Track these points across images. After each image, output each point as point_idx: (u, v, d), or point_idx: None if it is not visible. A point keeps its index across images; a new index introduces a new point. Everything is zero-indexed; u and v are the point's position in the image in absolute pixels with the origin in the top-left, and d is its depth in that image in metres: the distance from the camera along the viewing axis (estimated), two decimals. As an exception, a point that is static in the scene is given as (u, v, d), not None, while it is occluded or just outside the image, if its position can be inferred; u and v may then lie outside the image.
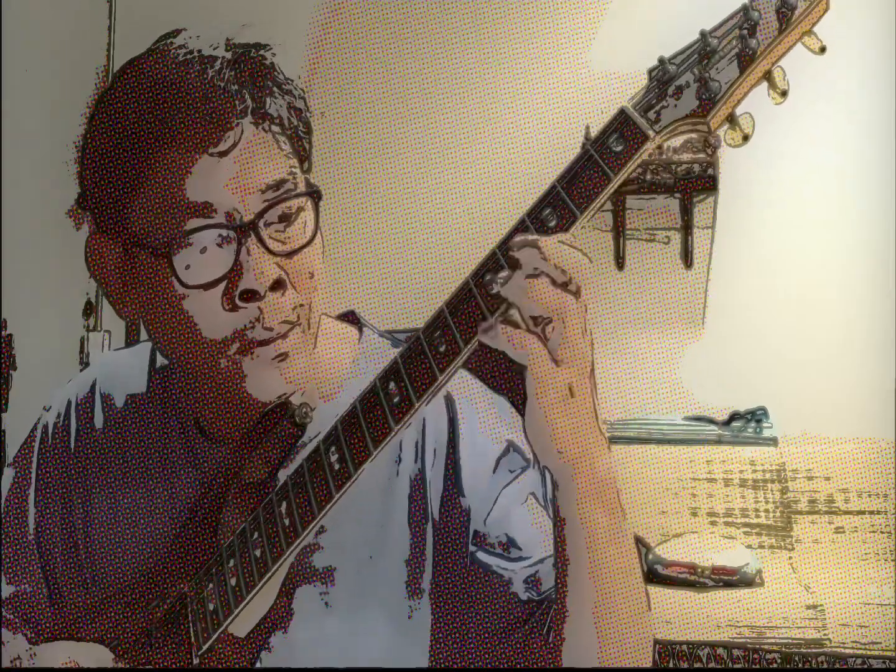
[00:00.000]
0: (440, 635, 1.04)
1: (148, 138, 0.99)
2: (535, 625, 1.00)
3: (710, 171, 3.13)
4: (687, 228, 3.22)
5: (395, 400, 0.90)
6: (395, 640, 1.04)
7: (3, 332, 2.88)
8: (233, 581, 0.98)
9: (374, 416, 0.92)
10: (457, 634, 1.03)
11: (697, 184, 3.16)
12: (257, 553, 0.97)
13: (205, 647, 0.99)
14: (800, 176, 3.14)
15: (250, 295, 0.99)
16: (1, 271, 2.65)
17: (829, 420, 3.05)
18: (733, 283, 3.24)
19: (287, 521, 0.96)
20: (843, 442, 3.01)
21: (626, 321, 3.12)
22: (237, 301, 0.99)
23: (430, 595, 1.04)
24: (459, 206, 3.09)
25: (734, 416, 3.17)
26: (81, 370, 1.26)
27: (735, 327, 3.22)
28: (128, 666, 1.02)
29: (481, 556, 1.03)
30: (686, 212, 3.21)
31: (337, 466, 0.93)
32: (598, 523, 0.90)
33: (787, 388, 3.13)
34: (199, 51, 1.01)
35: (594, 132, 0.90)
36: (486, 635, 1.01)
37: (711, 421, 3.18)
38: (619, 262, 3.27)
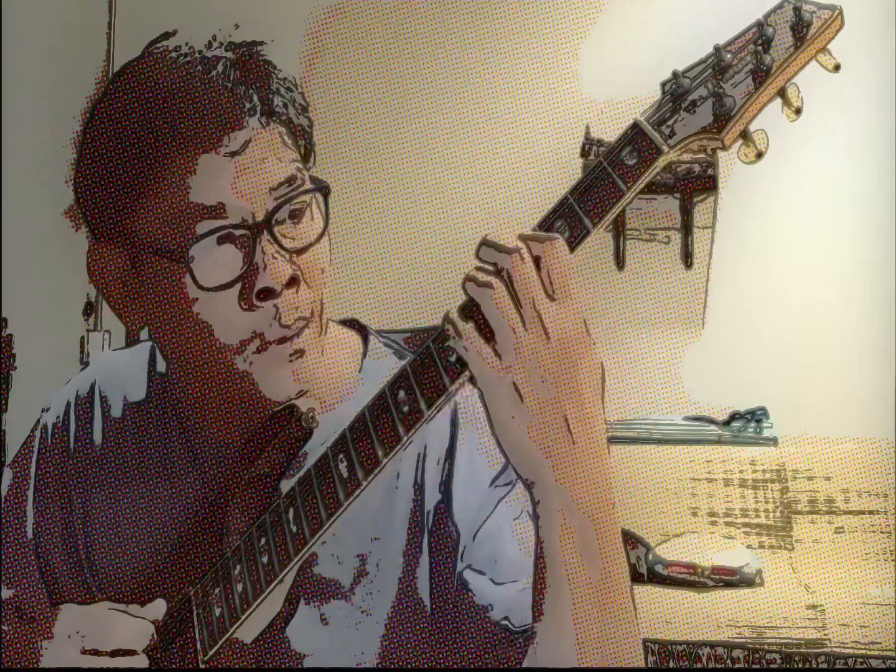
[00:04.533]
0: (435, 649, 1.03)
1: (153, 142, 0.97)
2: (510, 654, 0.97)
3: (710, 171, 3.13)
4: (687, 228, 3.22)
5: (405, 409, 0.90)
6: (389, 652, 1.03)
7: (3, 332, 2.88)
8: (239, 587, 0.98)
9: (384, 424, 0.91)
10: (450, 648, 1.02)
11: (697, 184, 3.16)
12: (264, 559, 0.97)
13: (211, 652, 0.99)
14: (800, 175, 3.14)
15: (267, 293, 0.98)
16: (1, 271, 2.65)
17: (829, 420, 3.05)
18: (733, 283, 3.23)
19: (295, 528, 0.95)
20: (843, 442, 3.01)
21: (626, 321, 3.12)
22: (254, 301, 0.98)
23: (431, 607, 1.04)
24: (459, 206, 3.08)
25: (734, 416, 3.17)
26: (81, 370, 1.25)
27: (735, 327, 3.22)
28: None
29: (468, 574, 1.01)
30: (686, 212, 3.21)
31: (346, 474, 0.92)
32: (575, 557, 0.86)
33: (787, 388, 3.13)
34: (199, 52, 1.01)
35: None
36: (467, 654, 1.00)
37: (711, 421, 3.17)
38: (619, 262, 3.27)
